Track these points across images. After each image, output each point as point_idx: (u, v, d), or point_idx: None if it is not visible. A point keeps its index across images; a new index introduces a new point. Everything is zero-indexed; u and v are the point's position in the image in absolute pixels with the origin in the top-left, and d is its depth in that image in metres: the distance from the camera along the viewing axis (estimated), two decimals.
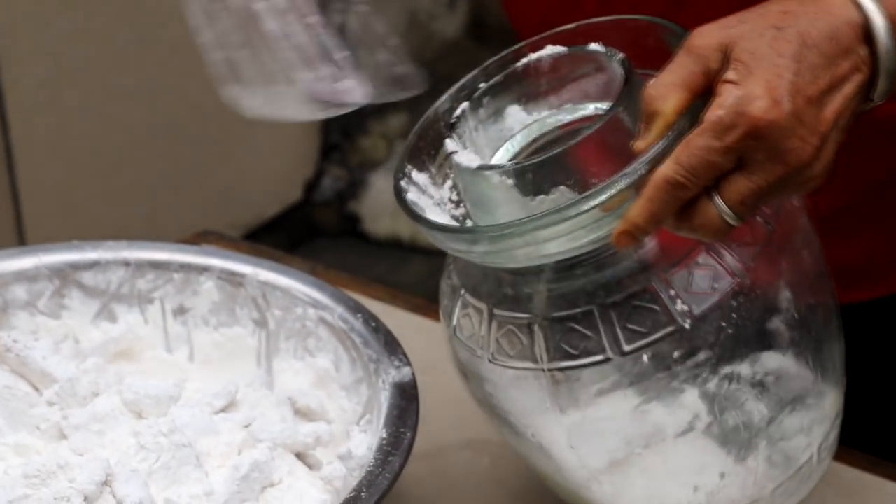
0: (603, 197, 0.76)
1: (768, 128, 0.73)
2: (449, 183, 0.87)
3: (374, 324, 0.95)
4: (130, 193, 2.43)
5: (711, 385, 0.81)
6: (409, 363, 0.91)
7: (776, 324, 0.82)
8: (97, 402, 0.89)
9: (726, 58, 0.75)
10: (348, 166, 2.88)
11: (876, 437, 1.01)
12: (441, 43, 3.02)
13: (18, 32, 2.19)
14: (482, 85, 0.86)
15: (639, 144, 0.76)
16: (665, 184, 0.74)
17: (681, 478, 0.85)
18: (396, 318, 0.99)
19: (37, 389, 0.93)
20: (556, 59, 0.86)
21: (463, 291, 0.86)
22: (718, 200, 0.75)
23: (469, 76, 0.87)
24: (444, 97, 0.87)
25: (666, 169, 0.75)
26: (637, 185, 0.76)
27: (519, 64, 0.86)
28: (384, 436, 0.85)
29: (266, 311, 1.00)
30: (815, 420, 0.86)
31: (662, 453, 0.84)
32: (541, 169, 0.80)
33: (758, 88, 0.73)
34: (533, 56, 0.86)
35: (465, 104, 0.86)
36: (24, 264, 1.00)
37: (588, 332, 0.81)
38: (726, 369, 0.81)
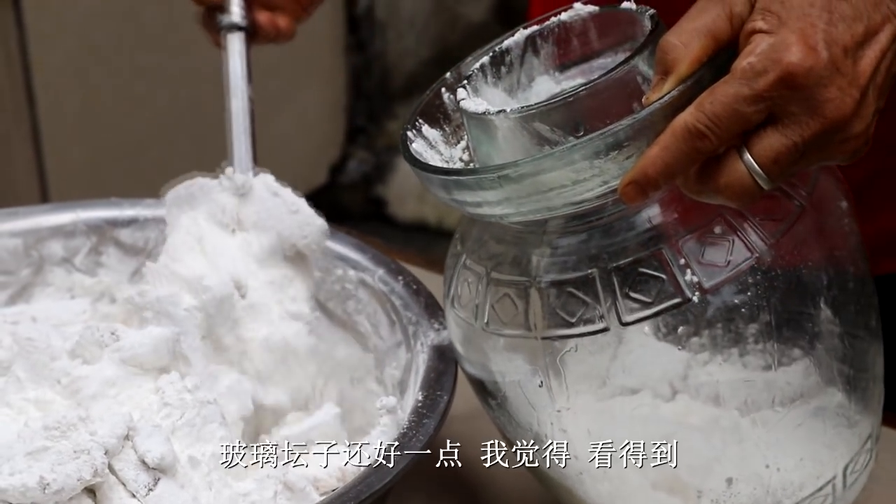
0: (604, 140, 0.69)
1: (805, 75, 0.68)
2: (462, 144, 0.83)
3: (415, 286, 0.93)
4: (156, 172, 2.39)
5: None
6: None
7: (801, 314, 0.75)
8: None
9: (752, 6, 0.70)
10: (374, 150, 2.86)
11: None
12: (467, 26, 3.00)
13: (45, 10, 2.18)
14: (506, 43, 0.82)
15: (652, 95, 0.71)
16: (684, 131, 0.68)
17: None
18: (435, 285, 0.97)
19: None
20: (586, 21, 0.81)
21: (464, 256, 0.81)
22: (748, 157, 0.69)
23: (496, 40, 0.83)
24: (468, 58, 0.83)
25: (686, 115, 0.69)
26: (647, 135, 0.69)
27: (546, 24, 0.82)
28: (419, 398, 0.83)
29: None
30: (841, 435, 0.79)
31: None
32: (548, 116, 0.74)
33: (791, 36, 0.68)
34: (563, 16, 0.81)
35: (484, 59, 0.81)
36: (61, 220, 0.99)
37: (587, 299, 0.74)
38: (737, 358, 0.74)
